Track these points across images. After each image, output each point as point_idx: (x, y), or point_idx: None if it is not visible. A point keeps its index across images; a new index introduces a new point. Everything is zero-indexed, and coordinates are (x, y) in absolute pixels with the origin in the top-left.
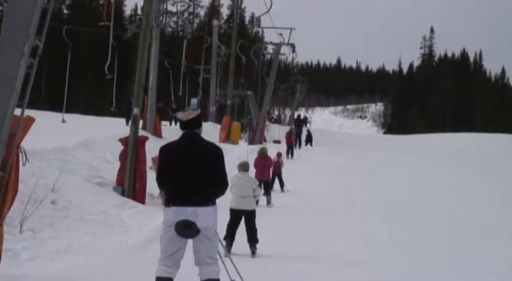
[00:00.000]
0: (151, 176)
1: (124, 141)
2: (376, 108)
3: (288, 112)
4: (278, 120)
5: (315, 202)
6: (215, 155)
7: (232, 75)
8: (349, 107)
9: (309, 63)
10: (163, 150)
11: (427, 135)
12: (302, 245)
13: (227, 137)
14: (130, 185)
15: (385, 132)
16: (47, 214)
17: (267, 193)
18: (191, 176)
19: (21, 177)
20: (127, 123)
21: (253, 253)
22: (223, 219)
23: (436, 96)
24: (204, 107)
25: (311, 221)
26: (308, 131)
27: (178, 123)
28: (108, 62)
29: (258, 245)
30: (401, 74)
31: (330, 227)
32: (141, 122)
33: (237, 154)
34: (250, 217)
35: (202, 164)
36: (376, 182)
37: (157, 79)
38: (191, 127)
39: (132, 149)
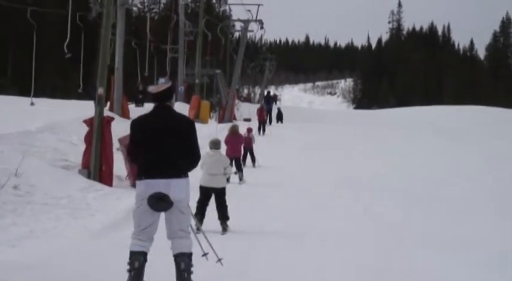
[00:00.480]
0: (118, 158)
1: (89, 122)
2: (345, 84)
3: (257, 90)
4: (248, 99)
5: (288, 178)
6: (187, 128)
7: (200, 54)
8: (318, 83)
9: (278, 41)
10: (135, 123)
11: (398, 109)
12: (275, 221)
13: (196, 116)
14: (96, 168)
15: (355, 108)
16: (9, 199)
17: (239, 169)
18: (163, 149)
19: None
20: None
21: (224, 229)
22: (193, 197)
23: (405, 70)
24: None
25: (284, 198)
26: (278, 109)
27: (141, 99)
28: (68, 40)
29: (228, 222)
30: (370, 49)
31: (303, 203)
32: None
33: (206, 133)
34: (220, 194)
35: (175, 137)
36: (348, 157)
37: (124, 60)
38: (162, 99)
39: (97, 130)
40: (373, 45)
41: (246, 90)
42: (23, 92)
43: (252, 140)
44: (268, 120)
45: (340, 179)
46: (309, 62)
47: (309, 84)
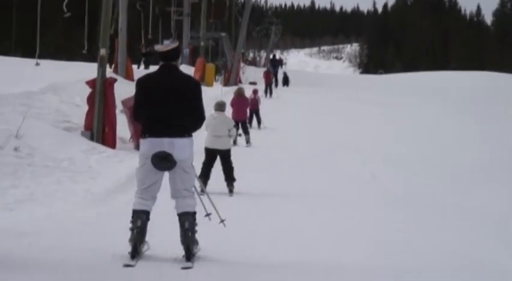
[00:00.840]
0: (121, 120)
1: (91, 83)
2: (351, 48)
3: (263, 54)
4: (253, 62)
5: (295, 142)
6: (193, 88)
7: (205, 16)
8: (324, 48)
9: (283, 6)
10: (141, 81)
11: (404, 74)
12: (280, 183)
13: (201, 79)
14: (99, 130)
15: (361, 73)
16: (9, 161)
17: (245, 132)
18: (168, 108)
19: None
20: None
21: (231, 191)
22: (199, 159)
23: (411, 35)
24: None
25: (291, 161)
26: (284, 73)
27: (144, 61)
28: None
29: (235, 184)
30: (376, 14)
31: (311, 168)
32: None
33: (211, 96)
34: (225, 156)
35: (180, 97)
36: (355, 122)
37: (128, 22)
38: (169, 58)
39: (100, 91)
40: (379, 10)
41: (251, 54)
42: (27, 54)
43: (258, 102)
44: (274, 83)
45: (346, 144)
46: (314, 26)
47: (315, 49)
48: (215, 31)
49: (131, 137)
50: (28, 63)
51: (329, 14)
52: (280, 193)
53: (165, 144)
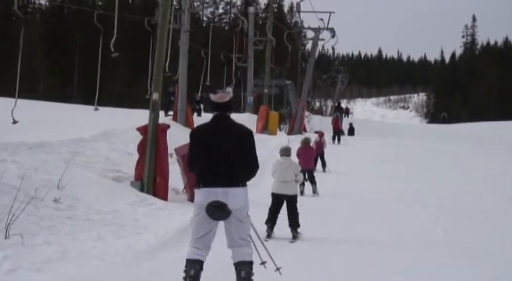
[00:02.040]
0: (174, 170)
1: (142, 130)
2: (418, 98)
3: (329, 103)
4: (319, 111)
5: (361, 192)
6: (246, 137)
7: (269, 63)
8: (391, 97)
9: (350, 55)
10: (195, 132)
11: (472, 124)
12: (345, 232)
13: (265, 128)
14: (150, 180)
15: (428, 122)
16: (47, 214)
17: (312, 182)
18: (222, 158)
19: (20, 172)
20: (165, 114)
21: (294, 237)
22: (266, 203)
23: (479, 85)
24: (238, 96)
25: (356, 212)
26: (350, 124)
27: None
28: (114, 38)
29: (299, 230)
30: (444, 64)
31: (376, 220)
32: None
33: (274, 145)
34: (291, 201)
35: (233, 146)
36: (423, 172)
37: (194, 69)
38: (224, 109)
39: (151, 138)
40: (447, 59)
41: (317, 103)
42: (89, 101)
43: (324, 145)
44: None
45: (414, 194)
46: (381, 75)
47: (382, 98)
48: (280, 79)
49: (184, 188)
50: (88, 109)
51: (396, 64)
52: (341, 242)
53: (219, 194)
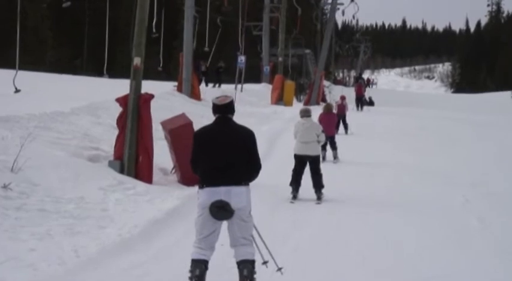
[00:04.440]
0: (162, 147)
1: (122, 101)
2: (443, 68)
3: (352, 74)
4: (341, 82)
5: (384, 160)
6: (247, 138)
7: (284, 30)
8: (415, 67)
9: (374, 25)
10: (197, 133)
11: (497, 93)
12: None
13: (280, 98)
14: (131, 159)
15: (453, 92)
16: None
17: (333, 148)
18: (224, 158)
19: None
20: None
21: (319, 198)
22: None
23: (505, 53)
24: (253, 67)
25: (376, 174)
26: (370, 98)
27: (212, 106)
28: (155, 19)
29: (323, 191)
30: (469, 33)
31: (396, 201)
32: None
33: (288, 117)
34: (314, 162)
35: (235, 147)
36: (449, 144)
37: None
38: (225, 112)
39: (133, 110)
40: (472, 29)
41: (341, 74)
42: (98, 73)
43: (346, 108)
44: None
45: (440, 171)
46: (405, 46)
47: (406, 69)
48: (299, 48)
49: (174, 168)
50: (93, 81)
51: (421, 34)
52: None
53: (221, 193)
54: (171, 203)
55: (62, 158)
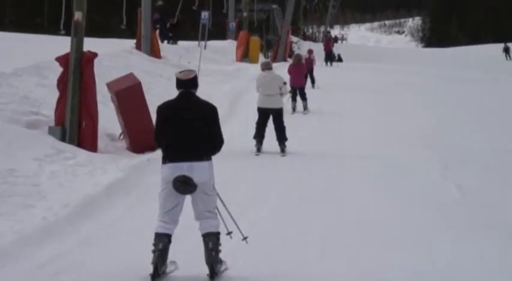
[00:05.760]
0: (109, 110)
1: (63, 60)
2: (413, 22)
3: (322, 30)
4: (310, 38)
5: (354, 118)
6: (210, 113)
7: None
8: (386, 22)
9: None
10: (161, 108)
11: (470, 47)
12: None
13: (245, 55)
14: (73, 124)
15: (424, 46)
16: None
17: (303, 99)
18: (187, 134)
19: None
20: (162, 41)
21: (283, 150)
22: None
23: (475, 7)
24: (219, 24)
25: (342, 125)
26: (338, 55)
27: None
28: None
29: (287, 143)
30: None
31: (369, 167)
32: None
33: (252, 75)
34: (278, 115)
35: (198, 122)
36: (423, 103)
37: None
38: (188, 87)
39: (74, 71)
40: None
41: (310, 30)
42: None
43: (314, 62)
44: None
45: (414, 133)
46: (375, 0)
47: (376, 24)
48: (266, 3)
49: (121, 134)
50: (53, 40)
51: None
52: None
53: (184, 168)
54: (113, 175)
55: None
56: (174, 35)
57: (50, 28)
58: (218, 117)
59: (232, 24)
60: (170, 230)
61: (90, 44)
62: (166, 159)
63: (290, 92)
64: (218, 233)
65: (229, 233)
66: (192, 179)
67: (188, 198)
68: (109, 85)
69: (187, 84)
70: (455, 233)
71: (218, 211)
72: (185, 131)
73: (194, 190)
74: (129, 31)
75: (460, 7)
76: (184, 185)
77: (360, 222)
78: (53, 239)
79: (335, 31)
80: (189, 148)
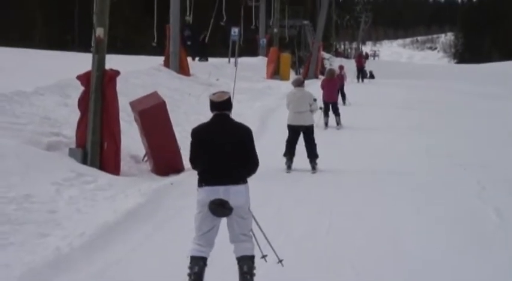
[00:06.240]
0: (133, 130)
1: (84, 79)
2: (446, 38)
3: (354, 46)
4: (342, 54)
5: (385, 136)
6: (245, 136)
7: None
8: (418, 38)
9: None
10: (196, 131)
11: (503, 63)
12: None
13: (275, 72)
14: (95, 146)
15: (457, 62)
16: None
17: (336, 114)
18: (222, 157)
19: None
20: (194, 58)
21: (314, 168)
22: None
23: (509, 22)
24: (250, 40)
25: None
26: (370, 71)
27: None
28: None
29: (317, 160)
30: (471, 2)
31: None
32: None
33: (283, 91)
34: (308, 132)
35: (233, 145)
36: (459, 121)
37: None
38: (222, 109)
39: (95, 90)
40: None
41: (342, 46)
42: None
43: (344, 78)
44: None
45: (446, 149)
46: (407, 16)
47: (408, 40)
48: (297, 18)
49: (145, 155)
50: (82, 57)
51: (422, 3)
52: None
53: (220, 192)
54: (134, 200)
55: (11, 147)
56: (202, 52)
57: (81, 45)
58: (253, 139)
59: (263, 41)
60: (206, 253)
61: (118, 61)
62: (202, 182)
63: (321, 108)
64: (253, 257)
65: (263, 257)
66: (228, 202)
67: (223, 221)
68: (132, 104)
69: (221, 106)
70: (492, 266)
71: (253, 233)
72: (220, 154)
73: (230, 213)
74: (160, 48)
75: (493, 22)
76: (220, 208)
77: (394, 252)
78: (64, 272)
79: (367, 47)
80: (224, 171)
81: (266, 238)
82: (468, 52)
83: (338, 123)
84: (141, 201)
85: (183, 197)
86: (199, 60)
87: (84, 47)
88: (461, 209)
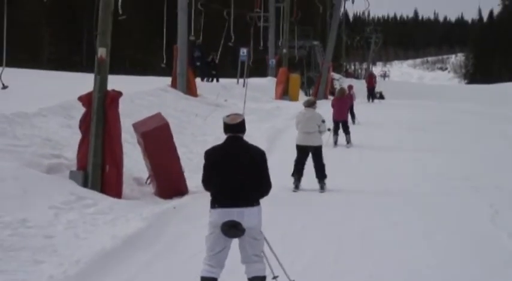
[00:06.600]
0: (136, 152)
1: (85, 100)
2: (456, 59)
3: (364, 66)
4: (352, 74)
5: (396, 158)
6: (259, 158)
7: (288, 20)
8: (428, 59)
9: (386, 17)
10: (209, 153)
11: None
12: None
13: (284, 93)
14: (96, 169)
15: (467, 83)
16: None
17: (346, 132)
18: (236, 179)
19: None
20: (202, 79)
21: (322, 188)
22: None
23: None
24: (259, 60)
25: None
26: (380, 92)
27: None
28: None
29: (326, 181)
30: (482, 23)
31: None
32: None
33: (292, 113)
34: (317, 152)
35: (247, 167)
36: (473, 143)
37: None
38: (236, 131)
39: (97, 111)
40: (485, 18)
41: (352, 67)
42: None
43: (353, 98)
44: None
45: (462, 175)
46: (418, 37)
47: (419, 60)
48: (307, 39)
49: (148, 178)
50: (88, 78)
51: (433, 24)
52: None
53: (234, 214)
54: (134, 225)
55: (9, 170)
56: (210, 73)
57: (88, 66)
58: (266, 161)
59: (272, 61)
60: (216, 274)
61: (126, 81)
62: (215, 203)
63: (329, 130)
64: (264, 277)
65: (275, 277)
66: (241, 224)
67: (235, 242)
68: (135, 126)
69: (235, 128)
70: None
71: (264, 254)
72: (234, 176)
73: (242, 234)
74: (169, 69)
75: (503, 43)
76: (232, 230)
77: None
78: None
79: (377, 68)
80: (238, 193)
81: (277, 259)
82: (478, 73)
83: (348, 141)
84: (141, 226)
85: (186, 222)
86: (207, 81)
87: (92, 68)
88: (475, 234)
